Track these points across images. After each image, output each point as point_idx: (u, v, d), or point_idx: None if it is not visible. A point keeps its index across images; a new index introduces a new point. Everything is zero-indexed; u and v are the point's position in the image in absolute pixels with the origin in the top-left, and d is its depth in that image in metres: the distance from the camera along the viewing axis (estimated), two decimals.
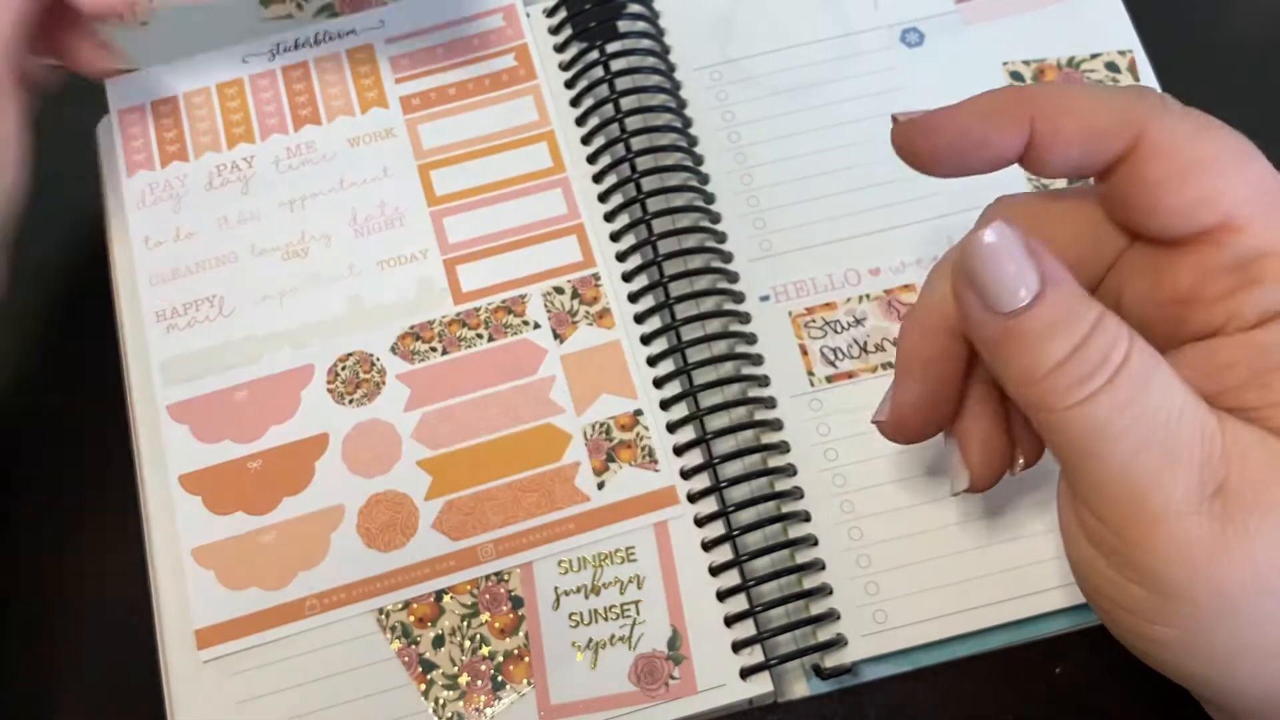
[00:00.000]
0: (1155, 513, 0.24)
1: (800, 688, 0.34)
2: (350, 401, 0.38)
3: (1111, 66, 0.40)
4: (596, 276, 0.39)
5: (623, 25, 0.42)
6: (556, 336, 0.38)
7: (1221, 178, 0.25)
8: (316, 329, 0.39)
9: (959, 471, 0.30)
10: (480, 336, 0.39)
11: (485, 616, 0.34)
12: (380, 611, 0.35)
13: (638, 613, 0.34)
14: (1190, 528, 0.23)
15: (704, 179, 0.40)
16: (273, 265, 0.40)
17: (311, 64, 0.42)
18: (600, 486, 0.36)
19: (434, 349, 0.38)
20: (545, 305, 0.39)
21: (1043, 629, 0.34)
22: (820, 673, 0.34)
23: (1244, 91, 0.42)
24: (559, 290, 0.39)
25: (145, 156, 0.41)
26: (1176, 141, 0.25)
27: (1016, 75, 0.40)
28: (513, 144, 0.41)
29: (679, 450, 0.36)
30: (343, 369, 0.38)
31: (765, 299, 0.38)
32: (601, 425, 0.37)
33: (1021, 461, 0.30)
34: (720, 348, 0.37)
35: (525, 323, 0.39)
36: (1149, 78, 0.40)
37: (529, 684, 0.34)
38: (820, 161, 0.40)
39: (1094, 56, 0.40)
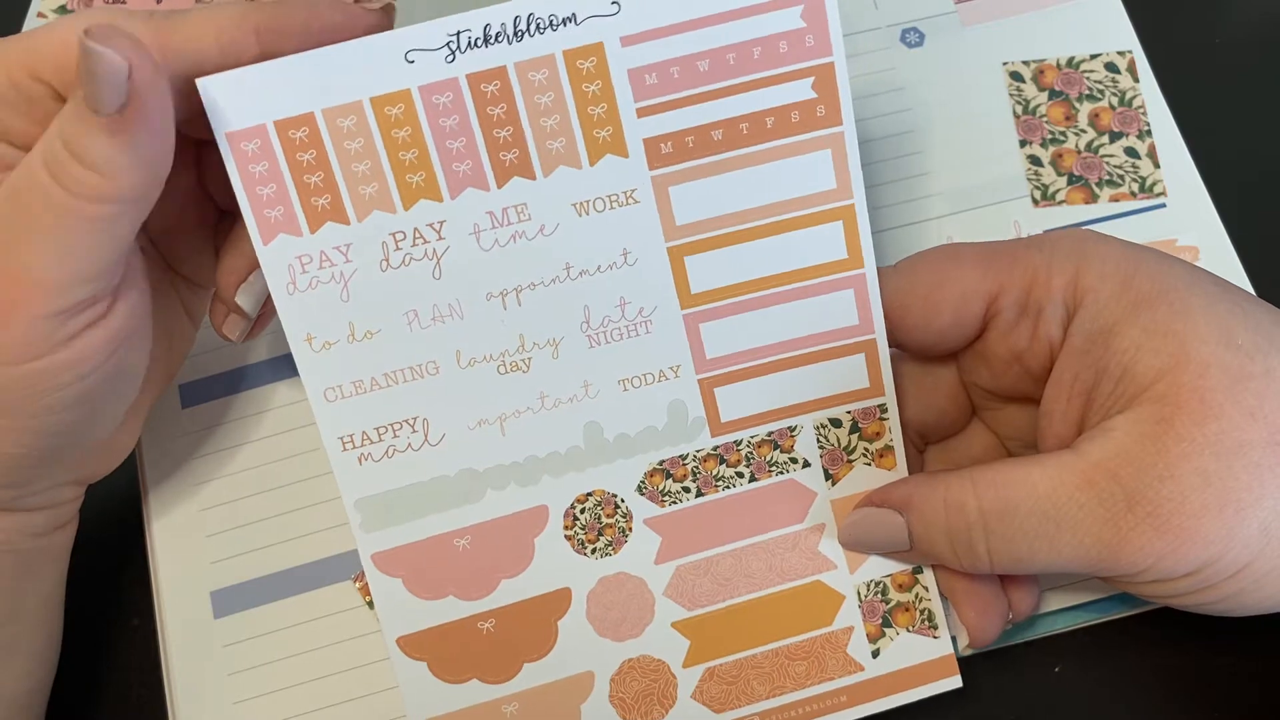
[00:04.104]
0: (1114, 554, 0.27)
1: None
2: (593, 551, 0.33)
3: (1111, 67, 0.39)
4: (883, 408, 0.32)
5: None
6: (829, 477, 0.33)
7: (953, 280, 0.30)
8: (547, 463, 0.32)
9: (959, 629, 0.32)
10: (741, 476, 0.33)
11: None
12: None
13: None
14: (1145, 539, 0.27)
15: None
16: (486, 380, 0.31)
17: (512, 73, 0.29)
18: (875, 655, 0.33)
19: (687, 489, 0.33)
20: (818, 440, 0.33)
21: (1043, 629, 0.34)
22: None
23: (1244, 91, 0.41)
24: (835, 423, 0.33)
25: (284, 213, 0.29)
26: (907, 290, 0.30)
27: (1016, 75, 0.39)
28: (795, 222, 0.31)
29: None
30: (582, 512, 0.32)
31: None
32: (877, 584, 0.33)
33: (1011, 615, 0.32)
34: None
35: (793, 460, 0.33)
36: (1149, 78, 0.39)
37: None
38: None
39: (1094, 57, 0.39)
